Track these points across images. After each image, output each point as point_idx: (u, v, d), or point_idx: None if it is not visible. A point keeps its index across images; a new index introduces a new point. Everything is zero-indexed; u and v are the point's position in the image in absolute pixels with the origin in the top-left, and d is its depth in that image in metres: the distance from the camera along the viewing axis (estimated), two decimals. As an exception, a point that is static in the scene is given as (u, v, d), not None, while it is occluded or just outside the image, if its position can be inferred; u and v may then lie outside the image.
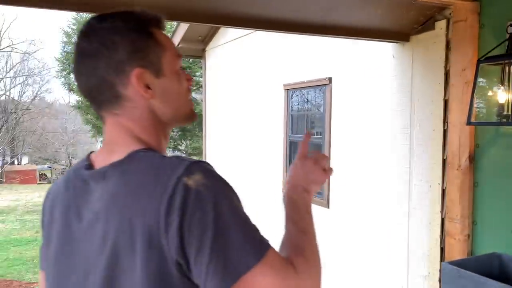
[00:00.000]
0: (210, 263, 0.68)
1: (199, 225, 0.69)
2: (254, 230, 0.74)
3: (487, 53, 1.95)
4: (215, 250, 0.68)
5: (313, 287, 0.77)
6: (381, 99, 2.94)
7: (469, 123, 1.99)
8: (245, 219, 0.74)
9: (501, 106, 1.93)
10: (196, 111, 0.93)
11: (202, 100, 6.40)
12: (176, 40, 5.56)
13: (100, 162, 0.83)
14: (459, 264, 2.01)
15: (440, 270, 2.41)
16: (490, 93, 2.16)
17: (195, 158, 0.97)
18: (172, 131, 7.81)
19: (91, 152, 0.89)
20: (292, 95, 4.11)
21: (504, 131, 2.12)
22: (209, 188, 0.72)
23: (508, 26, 1.89)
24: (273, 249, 0.74)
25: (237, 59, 5.20)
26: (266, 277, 0.70)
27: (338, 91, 3.40)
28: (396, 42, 2.74)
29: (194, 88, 11.95)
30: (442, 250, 2.42)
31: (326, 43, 3.50)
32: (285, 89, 4.14)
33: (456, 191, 2.29)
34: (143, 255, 0.70)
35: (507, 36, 1.89)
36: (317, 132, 3.74)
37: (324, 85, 3.52)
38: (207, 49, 6.10)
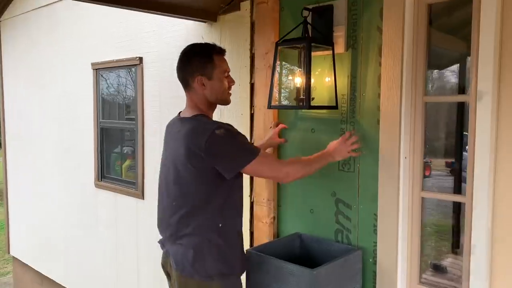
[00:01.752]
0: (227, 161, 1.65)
1: (220, 148, 1.62)
2: (247, 149, 1.69)
3: (284, 36, 1.94)
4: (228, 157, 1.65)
5: (292, 173, 1.73)
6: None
7: (269, 107, 1.96)
8: (240, 145, 1.68)
9: (298, 90, 1.95)
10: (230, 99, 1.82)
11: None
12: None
13: (183, 114, 1.77)
14: (263, 248, 2.00)
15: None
16: (290, 77, 2.19)
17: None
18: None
19: (179, 112, 1.81)
20: (102, 75, 3.67)
21: (302, 114, 2.18)
22: (226, 134, 1.63)
23: (303, 10, 1.90)
24: (263, 155, 1.71)
25: (39, 33, 4.44)
26: (259, 164, 1.66)
27: (150, 72, 3.13)
28: (204, 22, 2.60)
29: None
30: (252, 234, 2.42)
31: (136, 19, 3.18)
32: (93, 69, 3.67)
33: (263, 175, 2.29)
34: (189, 158, 1.63)
35: (303, 19, 1.90)
36: (131, 118, 3.42)
37: (134, 65, 3.21)
38: (1, 19, 5.10)
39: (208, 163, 1.61)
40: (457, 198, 1.77)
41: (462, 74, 3.88)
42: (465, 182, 1.71)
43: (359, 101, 1.95)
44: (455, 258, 2.19)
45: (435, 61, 2.26)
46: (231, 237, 1.73)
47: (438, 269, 2.10)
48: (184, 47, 1.76)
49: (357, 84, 1.95)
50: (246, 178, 2.43)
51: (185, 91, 1.76)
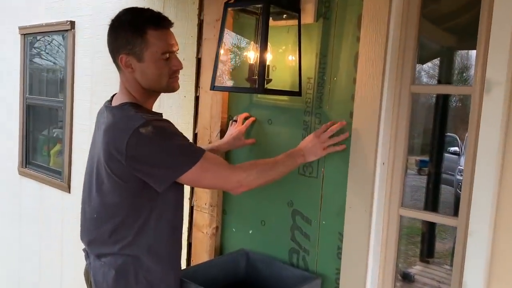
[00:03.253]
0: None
1: (145, 152, 1.20)
2: (183, 153, 1.23)
3: (237, -5, 1.47)
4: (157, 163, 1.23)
5: (246, 182, 1.29)
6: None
7: (212, 87, 1.50)
8: (173, 149, 1.22)
9: (251, 69, 1.49)
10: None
11: None
12: None
13: (114, 101, 1.36)
14: (201, 269, 1.58)
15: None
16: (244, 52, 1.73)
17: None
18: None
19: (114, 94, 1.40)
20: (31, 42, 3.09)
21: (257, 101, 1.72)
22: (156, 133, 1.19)
23: (262, -37, 1.43)
24: (207, 158, 1.25)
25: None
26: (201, 171, 1.23)
27: (83, 39, 2.59)
28: (146, -21, 2.09)
29: None
30: (190, 246, 1.96)
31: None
32: (21, 34, 3.08)
33: (205, 175, 1.83)
34: (108, 163, 1.23)
35: (261, -24, 1.43)
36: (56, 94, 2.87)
37: (65, 31, 2.65)
38: None
39: (130, 172, 1.22)
40: (447, 220, 1.38)
41: (447, 64, 3.54)
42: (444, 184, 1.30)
43: (329, 87, 1.51)
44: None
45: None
46: (164, 260, 1.35)
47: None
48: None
49: (327, 65, 1.51)
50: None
51: (117, 69, 1.36)
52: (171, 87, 1.35)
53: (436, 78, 2.79)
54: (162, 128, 1.22)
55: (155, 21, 1.27)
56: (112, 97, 1.40)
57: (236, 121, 1.74)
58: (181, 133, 1.27)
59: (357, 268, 1.45)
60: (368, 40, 1.39)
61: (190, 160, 1.22)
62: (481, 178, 1.20)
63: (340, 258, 1.49)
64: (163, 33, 1.28)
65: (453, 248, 1.35)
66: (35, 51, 3.11)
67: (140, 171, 1.21)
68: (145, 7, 1.31)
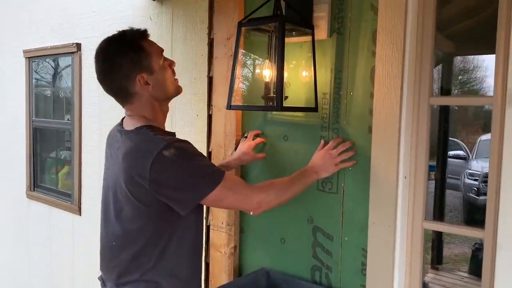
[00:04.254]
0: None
1: (170, 176, 1.18)
2: (206, 173, 1.22)
3: (249, 14, 1.47)
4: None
5: (265, 202, 1.29)
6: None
7: (229, 107, 1.49)
8: (197, 169, 1.21)
9: (267, 86, 1.49)
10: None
11: None
12: None
13: (126, 125, 1.32)
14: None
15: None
16: (257, 70, 1.73)
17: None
18: None
19: (122, 118, 1.36)
20: (35, 65, 3.09)
21: (272, 117, 1.71)
22: (179, 155, 1.18)
23: (274, -19, 1.44)
24: (229, 178, 1.25)
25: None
26: (225, 191, 1.22)
27: (89, 61, 2.59)
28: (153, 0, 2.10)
29: None
30: (207, 266, 1.94)
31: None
32: (26, 57, 3.08)
33: (221, 193, 1.81)
34: (129, 188, 1.21)
35: (274, -6, 1.44)
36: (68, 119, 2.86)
37: (71, 53, 2.65)
38: None
39: (153, 196, 1.20)
40: (473, 233, 1.37)
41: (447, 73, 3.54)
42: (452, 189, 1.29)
43: (345, 102, 1.51)
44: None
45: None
46: (184, 283, 1.34)
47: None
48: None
49: (342, 80, 1.51)
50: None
51: (123, 103, 1.32)
52: (178, 88, 1.38)
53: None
54: (184, 150, 1.22)
55: (139, 34, 1.29)
56: (122, 120, 1.38)
57: (246, 137, 1.73)
58: (201, 153, 1.26)
59: (383, 284, 1.43)
60: (385, 54, 1.38)
61: (213, 181, 1.21)
62: (509, 188, 1.19)
63: (364, 275, 1.47)
64: (149, 41, 1.30)
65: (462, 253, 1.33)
66: (40, 74, 3.11)
67: (164, 195, 1.20)
68: (118, 31, 1.30)
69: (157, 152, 1.16)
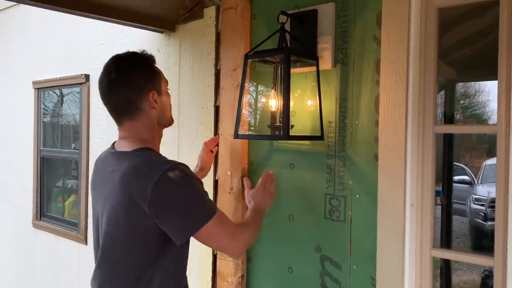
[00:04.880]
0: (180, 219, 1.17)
1: (174, 200, 1.16)
2: (207, 202, 1.22)
3: (256, 47, 1.51)
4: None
5: (247, 241, 1.32)
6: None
7: (236, 136, 1.51)
8: (200, 197, 1.21)
9: (273, 116, 1.52)
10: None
11: None
12: None
13: (119, 147, 1.28)
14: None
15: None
16: (263, 99, 1.76)
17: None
18: None
19: (113, 142, 1.33)
20: (44, 96, 3.15)
21: (278, 146, 1.74)
22: (184, 179, 1.16)
23: (279, 15, 1.49)
24: (220, 212, 1.24)
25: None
26: (219, 225, 1.21)
27: (97, 91, 2.64)
28: (161, 31, 2.16)
29: None
30: (214, 296, 1.92)
31: (83, 31, 2.71)
32: (35, 88, 3.15)
33: (228, 222, 1.81)
34: (129, 215, 1.16)
35: (280, 26, 1.48)
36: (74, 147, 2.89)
37: (80, 84, 2.71)
38: None
39: (153, 222, 1.15)
40: (482, 261, 1.36)
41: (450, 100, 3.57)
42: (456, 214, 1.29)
43: (351, 130, 1.53)
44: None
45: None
46: None
47: None
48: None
49: (348, 108, 1.53)
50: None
51: (125, 118, 1.28)
52: (172, 119, 1.41)
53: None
54: (187, 174, 1.20)
55: (150, 56, 1.35)
56: (113, 144, 1.34)
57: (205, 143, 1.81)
58: (198, 178, 1.27)
59: (393, 314, 1.41)
60: (389, 84, 1.41)
61: (210, 212, 1.20)
62: (517, 216, 1.19)
63: (374, 304, 1.46)
64: (157, 67, 1.35)
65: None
66: (46, 103, 3.16)
67: (162, 221, 1.15)
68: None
69: (161, 172, 1.13)
